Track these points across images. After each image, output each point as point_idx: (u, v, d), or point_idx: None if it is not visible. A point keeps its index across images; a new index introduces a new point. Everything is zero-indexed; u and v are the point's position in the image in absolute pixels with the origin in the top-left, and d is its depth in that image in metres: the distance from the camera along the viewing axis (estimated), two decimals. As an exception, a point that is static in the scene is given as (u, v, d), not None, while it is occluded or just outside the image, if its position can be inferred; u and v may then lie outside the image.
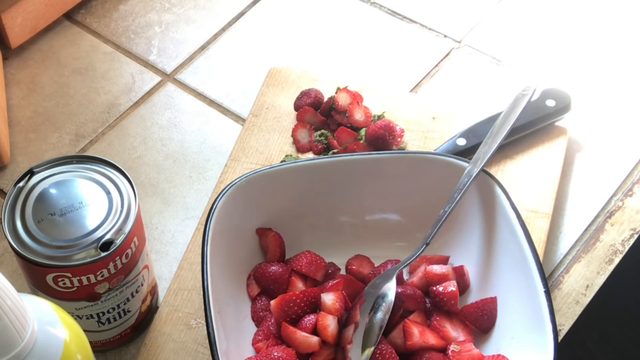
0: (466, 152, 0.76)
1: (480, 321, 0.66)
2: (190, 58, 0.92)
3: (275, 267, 0.69)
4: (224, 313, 0.64)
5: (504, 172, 0.78)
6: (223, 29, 0.95)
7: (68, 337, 0.51)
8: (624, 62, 0.90)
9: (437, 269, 0.68)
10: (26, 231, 0.61)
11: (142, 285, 0.67)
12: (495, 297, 0.66)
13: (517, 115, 0.71)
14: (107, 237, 0.61)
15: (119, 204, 0.62)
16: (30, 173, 0.64)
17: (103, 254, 0.60)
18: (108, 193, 0.63)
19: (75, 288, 0.62)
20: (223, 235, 0.66)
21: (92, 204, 0.62)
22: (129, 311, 0.67)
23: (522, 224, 0.65)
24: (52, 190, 0.63)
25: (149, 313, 0.71)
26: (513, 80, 0.88)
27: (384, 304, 0.64)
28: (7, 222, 0.62)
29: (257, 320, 0.68)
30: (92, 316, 0.65)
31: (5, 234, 0.61)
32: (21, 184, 0.63)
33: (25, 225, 0.61)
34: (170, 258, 0.77)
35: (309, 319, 0.65)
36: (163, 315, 0.70)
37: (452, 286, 0.66)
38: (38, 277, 0.61)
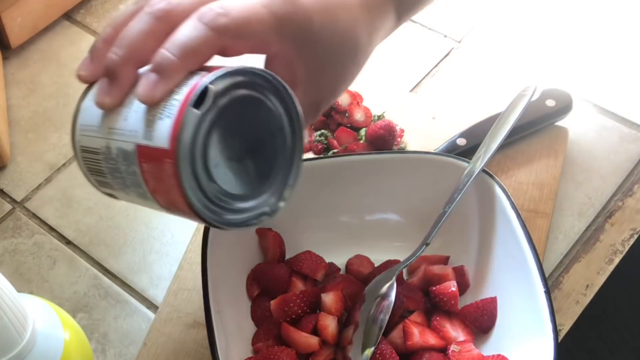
0: (466, 152, 0.76)
1: (480, 321, 0.65)
2: (190, 58, 0.92)
3: (276, 267, 0.69)
4: (224, 313, 0.64)
5: (504, 172, 0.78)
6: (223, 29, 0.94)
7: (68, 337, 0.51)
8: (624, 62, 0.90)
9: (437, 269, 0.68)
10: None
11: None
12: (495, 297, 0.66)
13: (517, 115, 0.71)
14: None
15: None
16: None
17: None
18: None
19: None
20: (223, 235, 0.66)
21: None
22: None
23: (522, 224, 0.64)
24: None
25: None
26: (513, 80, 0.88)
27: (384, 304, 0.64)
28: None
29: (257, 320, 0.68)
30: None
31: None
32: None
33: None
34: (170, 258, 0.76)
35: (309, 319, 0.65)
36: (163, 315, 0.70)
37: (452, 286, 0.66)
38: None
